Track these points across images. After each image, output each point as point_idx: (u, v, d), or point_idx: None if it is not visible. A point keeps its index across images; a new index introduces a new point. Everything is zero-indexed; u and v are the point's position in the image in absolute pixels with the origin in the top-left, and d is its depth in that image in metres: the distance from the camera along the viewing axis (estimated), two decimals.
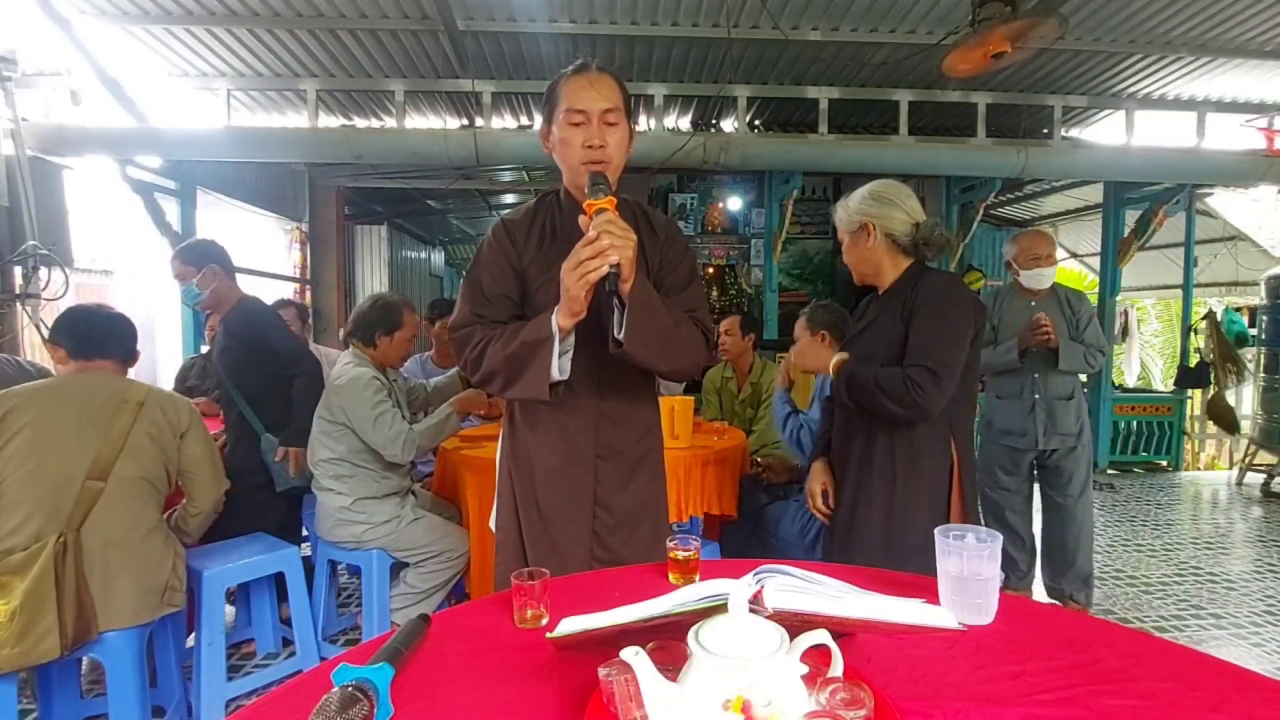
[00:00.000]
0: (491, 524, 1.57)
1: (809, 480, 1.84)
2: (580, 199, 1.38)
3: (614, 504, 1.45)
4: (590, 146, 1.36)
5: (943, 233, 1.68)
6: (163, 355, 5.87)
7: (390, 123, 5.67)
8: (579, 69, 1.39)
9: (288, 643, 2.60)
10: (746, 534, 2.71)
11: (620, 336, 1.26)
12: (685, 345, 1.38)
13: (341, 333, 3.03)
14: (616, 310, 1.27)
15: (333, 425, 2.39)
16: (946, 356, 1.55)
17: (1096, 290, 6.86)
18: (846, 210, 1.75)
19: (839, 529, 1.73)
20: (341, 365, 2.47)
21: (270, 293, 6.42)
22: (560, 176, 1.49)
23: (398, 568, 2.52)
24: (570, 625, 0.83)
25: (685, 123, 5.87)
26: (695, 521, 2.62)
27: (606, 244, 1.19)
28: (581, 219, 1.25)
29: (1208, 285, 7.97)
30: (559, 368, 1.31)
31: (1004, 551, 2.08)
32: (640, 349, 1.27)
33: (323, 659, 2.35)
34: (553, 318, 1.28)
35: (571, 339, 1.32)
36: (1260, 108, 5.26)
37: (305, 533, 2.94)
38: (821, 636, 0.70)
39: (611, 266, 1.20)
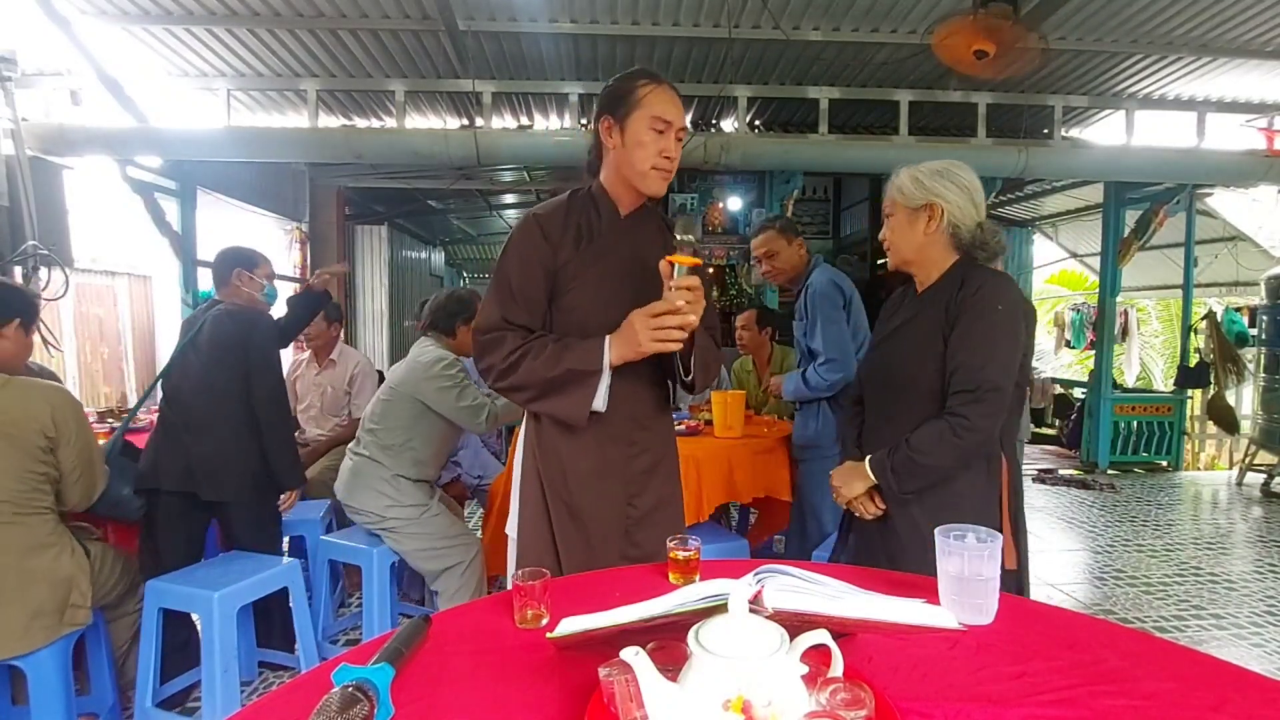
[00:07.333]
0: (509, 530, 1.53)
1: (847, 485, 1.54)
2: (627, 197, 1.46)
3: (642, 500, 1.48)
4: (667, 157, 1.40)
5: (1001, 241, 1.48)
6: (163, 356, 5.87)
7: (390, 123, 5.67)
8: (656, 78, 1.41)
9: (266, 667, 2.51)
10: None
11: (689, 379, 1.45)
12: (717, 365, 1.55)
13: (415, 324, 3.05)
14: (680, 356, 1.40)
15: (401, 399, 2.43)
16: (995, 377, 1.36)
17: (1096, 290, 6.86)
18: (915, 182, 1.49)
19: (875, 536, 1.53)
20: (422, 348, 2.53)
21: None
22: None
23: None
24: (570, 625, 0.83)
25: (685, 123, 5.86)
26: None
27: (692, 319, 1.27)
28: (662, 264, 1.29)
29: (1208, 285, 7.97)
30: (602, 399, 1.35)
31: None
32: (702, 383, 1.48)
33: (323, 659, 2.35)
34: (605, 352, 1.32)
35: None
36: (1260, 108, 5.26)
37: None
38: (821, 636, 0.70)
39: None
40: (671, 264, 1.27)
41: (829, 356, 2.50)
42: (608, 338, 1.34)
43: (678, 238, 1.31)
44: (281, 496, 2.44)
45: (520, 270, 1.41)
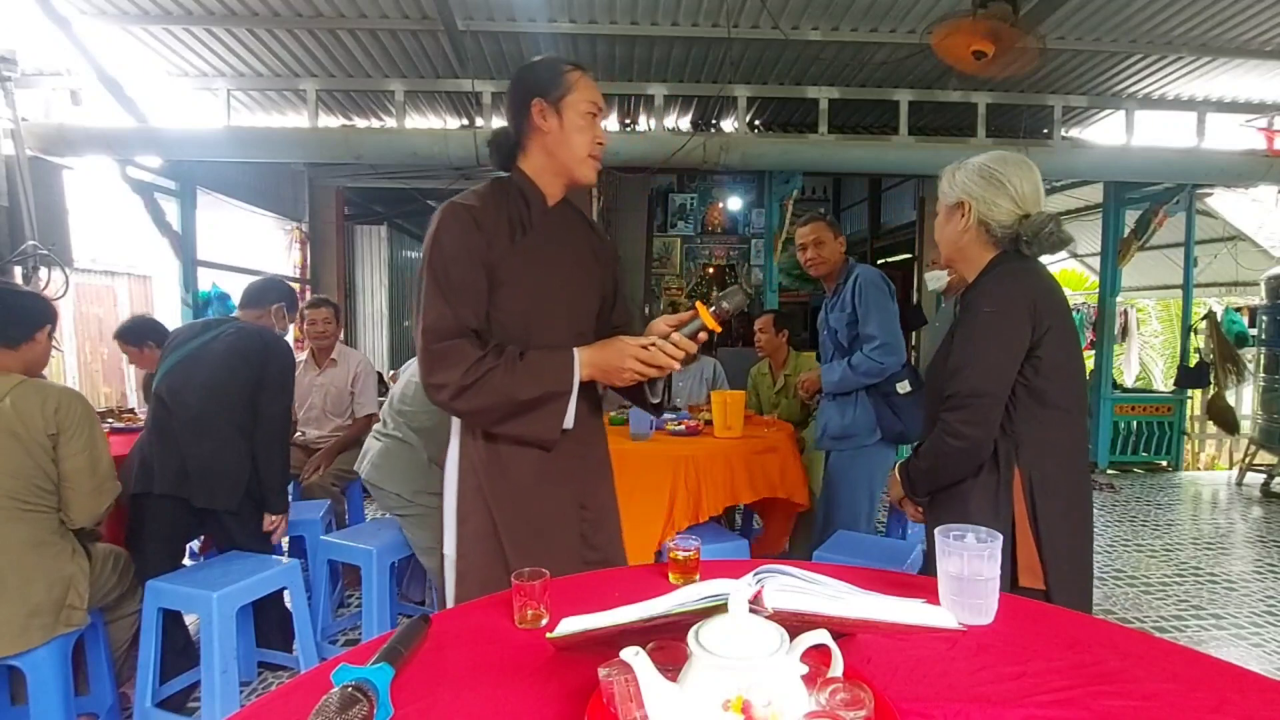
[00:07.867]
0: (447, 550, 1.43)
1: (891, 489, 1.62)
2: (553, 187, 1.41)
3: (593, 502, 1.45)
4: (600, 143, 1.39)
5: (1055, 231, 1.37)
6: None
7: (390, 123, 5.67)
8: (579, 65, 1.37)
9: (265, 667, 2.50)
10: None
11: (657, 400, 1.47)
12: None
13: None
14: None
15: None
16: (976, 382, 1.32)
17: (1097, 290, 6.86)
18: (950, 181, 1.48)
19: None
20: None
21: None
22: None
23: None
24: (570, 625, 0.83)
25: (685, 123, 5.87)
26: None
27: (677, 367, 1.30)
28: (689, 313, 1.33)
29: (1208, 285, 7.96)
30: (572, 417, 1.32)
31: None
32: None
33: (322, 659, 2.35)
34: (576, 370, 1.29)
35: None
36: (1260, 108, 5.26)
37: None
38: (821, 636, 0.70)
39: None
40: (695, 313, 1.30)
41: (883, 340, 2.54)
42: (576, 353, 1.30)
43: (721, 302, 1.31)
44: (269, 519, 2.37)
45: (460, 264, 1.28)
